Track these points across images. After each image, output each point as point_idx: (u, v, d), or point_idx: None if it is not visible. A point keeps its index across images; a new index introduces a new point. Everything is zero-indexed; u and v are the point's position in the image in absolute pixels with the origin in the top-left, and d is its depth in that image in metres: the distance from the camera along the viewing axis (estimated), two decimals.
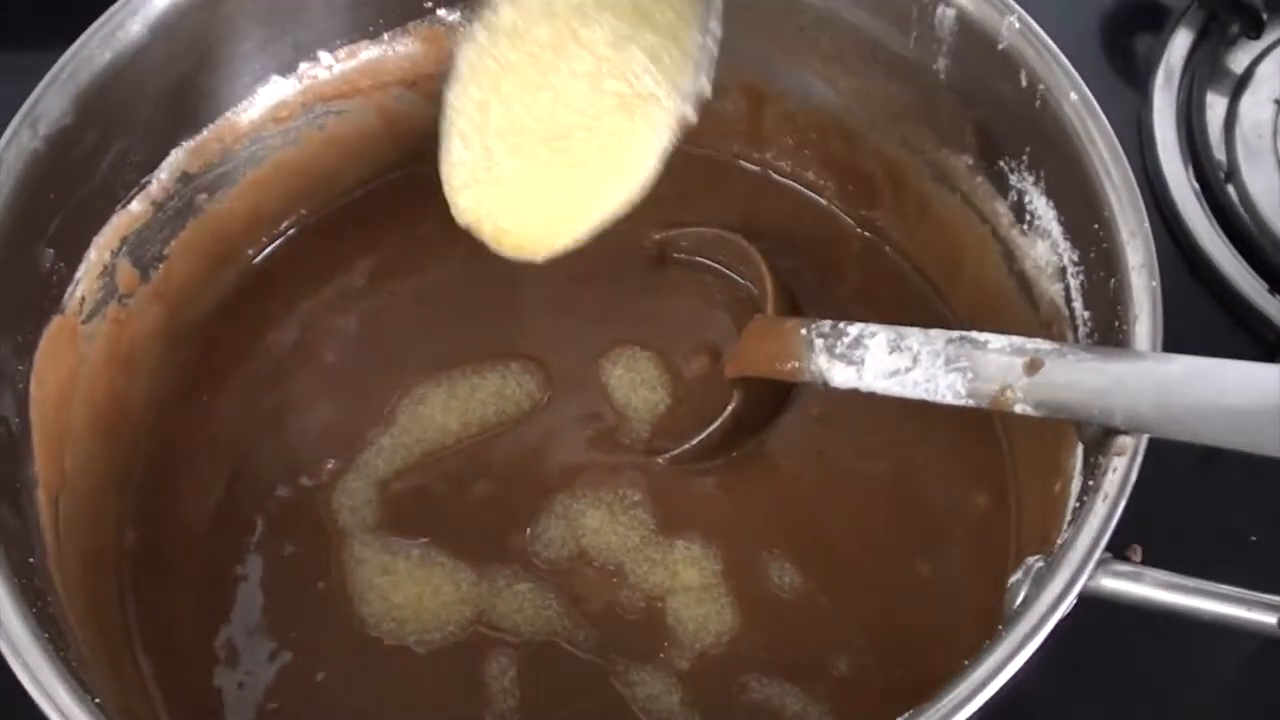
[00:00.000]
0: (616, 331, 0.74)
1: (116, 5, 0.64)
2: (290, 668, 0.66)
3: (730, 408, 0.70)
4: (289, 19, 0.70)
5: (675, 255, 0.77)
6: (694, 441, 0.70)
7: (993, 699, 0.49)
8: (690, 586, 0.67)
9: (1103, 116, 0.59)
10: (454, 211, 0.65)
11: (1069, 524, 0.52)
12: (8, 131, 0.61)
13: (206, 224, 0.73)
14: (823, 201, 0.78)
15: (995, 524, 0.68)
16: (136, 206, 0.68)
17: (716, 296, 0.76)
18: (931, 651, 0.63)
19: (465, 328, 0.75)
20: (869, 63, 0.70)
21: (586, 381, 0.73)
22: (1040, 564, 0.52)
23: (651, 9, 0.61)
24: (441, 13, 0.73)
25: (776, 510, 0.70)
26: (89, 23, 0.64)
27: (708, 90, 0.60)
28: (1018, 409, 0.56)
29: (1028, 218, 0.65)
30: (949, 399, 0.58)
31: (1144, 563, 0.52)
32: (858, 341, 0.62)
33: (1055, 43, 0.62)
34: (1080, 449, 0.58)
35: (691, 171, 0.69)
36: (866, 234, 0.77)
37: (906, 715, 0.48)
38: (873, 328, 0.62)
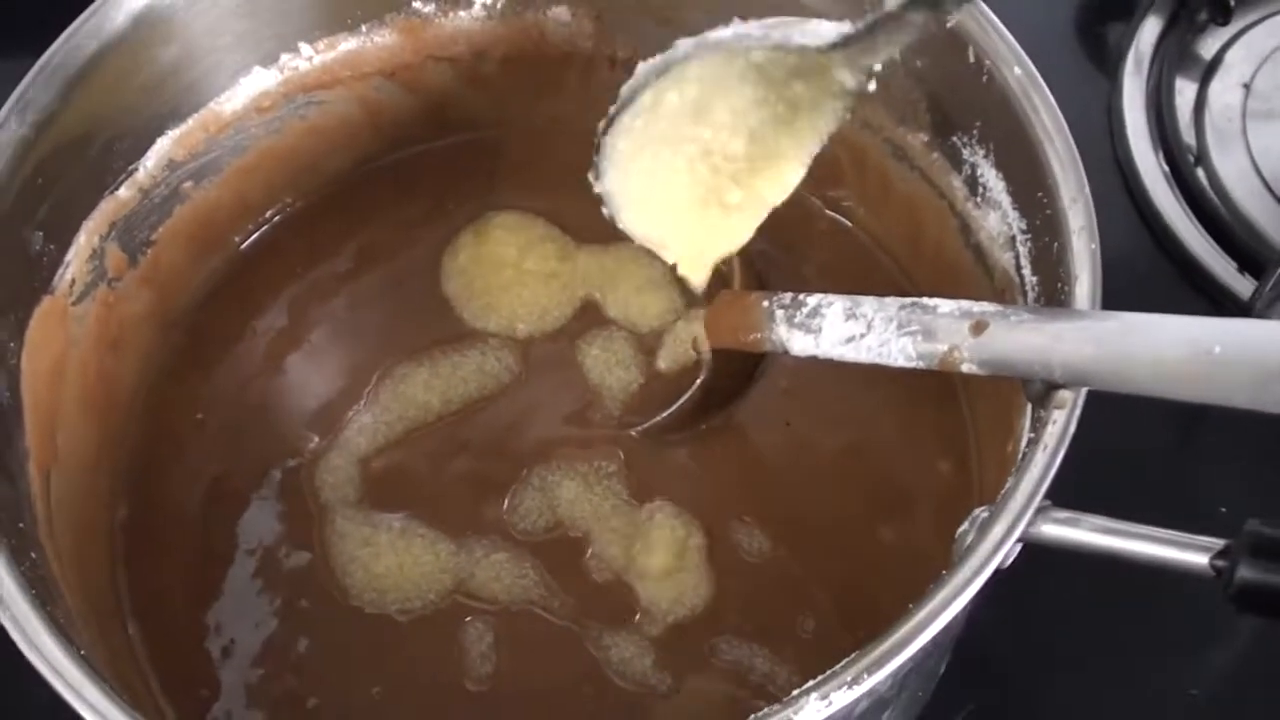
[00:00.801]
0: (592, 311, 0.76)
1: None
2: (275, 637, 0.68)
3: (699, 380, 0.71)
4: (269, 11, 0.71)
5: None
6: (665, 414, 0.71)
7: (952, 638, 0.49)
8: (663, 554, 0.68)
9: (1045, 88, 0.61)
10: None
11: (1012, 474, 0.54)
12: None
13: (193, 211, 0.74)
14: None
15: (958, 490, 0.69)
16: (124, 193, 0.69)
17: None
18: (895, 613, 0.63)
19: (446, 309, 0.76)
20: None
21: (563, 360, 0.75)
22: (985, 514, 0.54)
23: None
24: (417, 5, 0.74)
25: (746, 479, 0.72)
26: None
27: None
28: (964, 368, 0.57)
29: (980, 190, 0.66)
30: (900, 361, 0.59)
31: None
32: (816, 311, 0.63)
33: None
34: (1029, 409, 0.59)
35: None
36: (832, 213, 0.78)
37: (854, 653, 0.50)
38: (830, 298, 0.63)
